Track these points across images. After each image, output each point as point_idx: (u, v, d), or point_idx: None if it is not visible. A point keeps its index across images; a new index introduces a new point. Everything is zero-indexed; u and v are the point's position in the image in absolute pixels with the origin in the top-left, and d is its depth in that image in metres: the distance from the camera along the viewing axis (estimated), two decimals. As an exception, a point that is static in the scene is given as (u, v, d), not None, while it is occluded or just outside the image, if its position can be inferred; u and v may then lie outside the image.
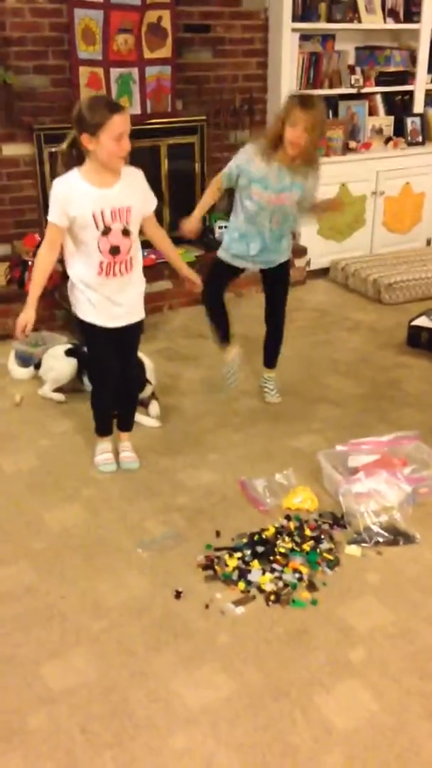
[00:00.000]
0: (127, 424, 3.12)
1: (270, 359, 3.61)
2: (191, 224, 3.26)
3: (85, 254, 2.62)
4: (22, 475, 3.00)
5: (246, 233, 3.23)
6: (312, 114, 2.90)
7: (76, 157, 2.55)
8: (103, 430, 3.08)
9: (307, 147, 2.96)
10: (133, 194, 2.63)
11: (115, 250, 2.61)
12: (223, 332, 3.46)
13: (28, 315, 2.64)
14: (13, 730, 1.89)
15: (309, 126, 2.90)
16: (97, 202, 2.54)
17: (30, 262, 4.20)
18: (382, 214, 5.48)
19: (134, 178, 2.66)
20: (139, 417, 3.38)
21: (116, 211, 2.57)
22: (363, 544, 2.56)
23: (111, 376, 2.93)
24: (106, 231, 2.57)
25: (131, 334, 2.88)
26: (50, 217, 2.58)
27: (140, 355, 3.55)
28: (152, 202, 2.75)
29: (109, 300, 2.71)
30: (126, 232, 2.62)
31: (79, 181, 2.54)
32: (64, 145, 2.57)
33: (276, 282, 3.41)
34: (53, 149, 2.66)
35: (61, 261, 2.73)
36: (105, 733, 1.88)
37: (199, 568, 2.46)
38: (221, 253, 3.37)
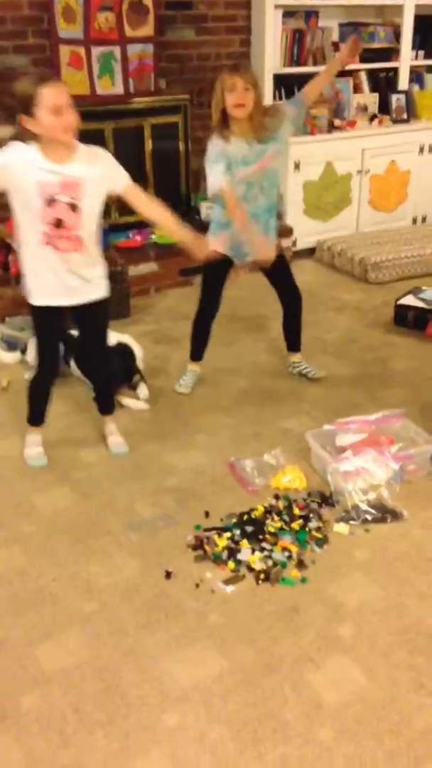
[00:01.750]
0: (107, 407, 3.09)
1: (294, 342, 3.58)
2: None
3: (30, 224, 2.53)
4: (10, 459, 3.00)
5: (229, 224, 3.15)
6: (243, 74, 2.91)
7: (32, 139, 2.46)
8: (35, 419, 3.00)
9: (252, 105, 2.93)
10: (89, 170, 2.51)
11: (58, 222, 2.51)
12: (199, 350, 3.49)
13: None
14: (6, 711, 1.91)
15: (246, 84, 2.89)
16: (46, 173, 2.45)
17: (13, 246, 4.17)
18: (367, 193, 5.46)
19: (94, 155, 2.55)
20: (127, 401, 3.38)
21: (65, 183, 2.47)
22: (351, 522, 2.59)
23: (55, 361, 2.90)
24: (51, 202, 2.48)
25: (92, 316, 2.78)
26: None
27: (130, 342, 3.54)
28: (120, 177, 2.61)
29: (52, 271, 2.60)
30: (74, 207, 2.51)
31: (34, 153, 2.45)
32: (14, 129, 2.47)
33: (274, 265, 3.33)
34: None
35: None
36: (97, 712, 1.90)
37: (189, 548, 2.48)
38: (214, 244, 3.24)
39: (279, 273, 3.40)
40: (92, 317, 2.80)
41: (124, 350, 3.48)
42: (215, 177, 3.00)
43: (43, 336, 2.81)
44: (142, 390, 3.44)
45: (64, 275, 2.63)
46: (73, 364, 3.53)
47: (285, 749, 1.80)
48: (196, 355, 3.51)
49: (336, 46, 5.30)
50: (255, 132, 3.01)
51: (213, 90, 3.00)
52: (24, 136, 2.47)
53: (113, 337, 3.36)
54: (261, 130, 3.01)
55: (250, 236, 3.14)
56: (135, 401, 3.39)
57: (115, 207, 4.85)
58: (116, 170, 2.61)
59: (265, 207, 3.18)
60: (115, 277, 4.19)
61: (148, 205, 2.72)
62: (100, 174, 2.54)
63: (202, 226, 4.88)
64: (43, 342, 2.83)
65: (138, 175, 4.89)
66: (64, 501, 2.74)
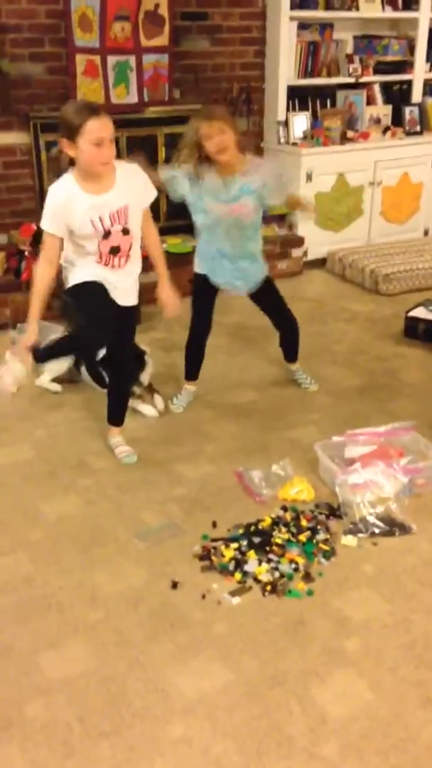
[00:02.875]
0: (120, 417, 3.08)
1: (290, 354, 3.60)
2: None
3: (85, 251, 2.62)
4: (18, 465, 3.00)
5: (212, 253, 3.17)
6: (215, 120, 2.88)
7: (69, 162, 2.53)
8: (118, 417, 3.02)
9: (233, 144, 2.91)
10: (130, 191, 2.61)
11: (115, 250, 2.62)
12: (192, 370, 3.48)
13: (31, 333, 2.68)
14: (11, 719, 1.90)
15: (221, 127, 2.87)
16: (94, 210, 2.52)
17: (26, 252, 4.19)
18: (379, 204, 5.47)
19: (130, 174, 2.64)
20: (141, 405, 3.38)
21: (114, 214, 2.56)
22: (359, 535, 2.57)
23: (113, 333, 2.84)
24: (107, 235, 2.57)
25: (127, 317, 2.84)
26: (47, 228, 2.55)
27: (146, 355, 3.53)
28: (151, 192, 2.73)
29: (105, 280, 2.70)
30: (126, 231, 2.61)
31: (75, 187, 2.51)
32: (54, 151, 2.56)
33: (263, 296, 3.35)
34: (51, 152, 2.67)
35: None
36: (102, 722, 1.90)
37: (196, 558, 2.47)
38: (198, 267, 3.29)
39: (269, 302, 3.39)
40: (126, 321, 2.84)
41: (135, 353, 3.48)
42: (180, 182, 3.03)
43: (95, 308, 2.74)
44: (158, 401, 3.43)
45: (114, 283, 2.72)
46: (83, 370, 3.54)
47: (289, 763, 1.79)
48: (191, 375, 3.50)
49: (350, 59, 5.32)
50: (230, 170, 2.97)
51: (185, 132, 2.99)
52: (59, 159, 2.53)
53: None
54: (234, 168, 2.97)
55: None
56: (146, 406, 3.39)
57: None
58: (150, 186, 2.72)
59: (230, 251, 3.16)
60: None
61: (154, 230, 2.84)
62: (138, 193, 2.66)
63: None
64: (96, 317, 2.77)
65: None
66: (71, 508, 2.74)
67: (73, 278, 2.73)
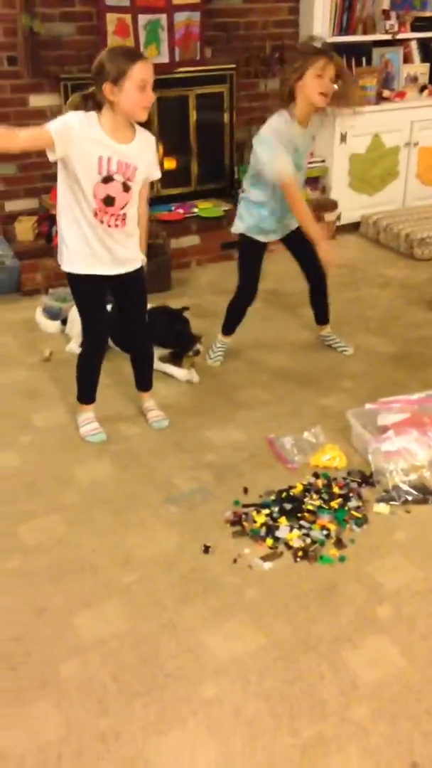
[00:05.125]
0: (146, 383, 3.08)
1: (320, 314, 3.53)
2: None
3: (80, 197, 2.53)
4: (52, 430, 3.03)
5: (275, 208, 3.10)
6: (337, 62, 2.80)
7: (91, 107, 2.46)
8: (87, 397, 2.98)
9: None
10: (142, 157, 2.56)
11: (109, 201, 2.53)
12: (232, 328, 3.47)
13: None
14: (46, 678, 1.94)
15: (337, 74, 2.79)
16: (107, 149, 2.46)
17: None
18: (415, 166, 5.33)
19: (148, 142, 2.60)
20: (172, 369, 3.38)
21: (123, 164, 2.50)
22: (392, 503, 2.56)
23: (103, 335, 2.90)
24: (107, 179, 2.50)
25: (133, 285, 2.79)
26: (50, 125, 2.40)
27: (200, 343, 3.51)
28: (156, 171, 2.68)
29: (100, 241, 2.62)
30: (126, 187, 2.54)
31: (96, 126, 2.45)
32: (76, 98, 2.46)
33: (300, 239, 3.25)
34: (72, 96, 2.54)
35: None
36: (136, 682, 1.93)
37: (227, 524, 2.48)
38: (251, 232, 3.19)
39: (306, 250, 3.26)
40: (132, 287, 2.79)
41: (172, 314, 3.48)
42: (283, 165, 2.89)
43: (88, 306, 2.79)
44: (193, 373, 3.41)
45: (112, 249, 2.65)
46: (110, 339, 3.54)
47: (321, 727, 1.81)
48: (229, 331, 3.49)
49: (386, 14, 5.15)
50: (311, 121, 2.91)
51: (291, 62, 2.86)
52: (87, 104, 2.47)
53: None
54: (314, 122, 2.92)
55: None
56: (181, 371, 3.39)
57: (158, 179, 4.82)
58: (156, 164, 2.68)
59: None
60: (157, 250, 4.19)
61: (145, 207, 2.76)
62: (149, 161, 2.61)
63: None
64: (89, 314, 2.81)
65: (182, 147, 4.89)
66: (104, 473, 2.76)
67: (67, 260, 2.67)
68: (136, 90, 2.39)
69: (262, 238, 3.22)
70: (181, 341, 3.47)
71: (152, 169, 2.66)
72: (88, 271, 2.67)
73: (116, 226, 2.61)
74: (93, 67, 2.43)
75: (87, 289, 2.74)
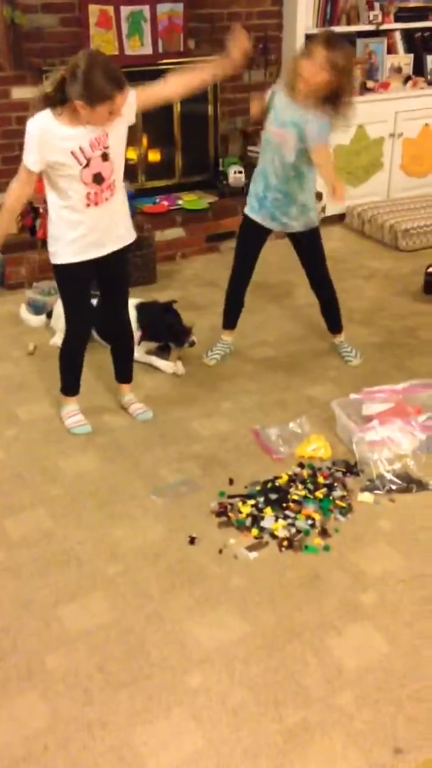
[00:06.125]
0: (127, 375, 3.07)
1: (333, 325, 3.47)
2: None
3: (70, 191, 2.53)
4: (37, 423, 3.02)
5: (260, 170, 3.12)
6: (331, 54, 2.76)
7: (58, 100, 2.42)
8: (71, 388, 2.98)
9: (315, 88, 2.81)
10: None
11: (98, 178, 2.53)
12: (231, 318, 3.44)
13: None
14: (32, 670, 1.95)
15: (324, 63, 2.76)
16: (75, 140, 2.44)
17: (41, 209, 4.16)
18: (400, 157, 5.34)
19: None
20: (157, 361, 3.39)
21: (93, 140, 2.47)
22: (376, 492, 2.58)
23: (88, 324, 2.90)
24: (87, 163, 2.49)
25: (119, 267, 2.78)
26: (25, 161, 2.46)
27: (192, 334, 3.49)
28: (130, 98, 2.50)
29: (98, 228, 2.62)
30: (105, 156, 2.51)
31: (54, 124, 2.43)
32: (48, 88, 2.42)
33: (305, 249, 3.26)
34: (41, 86, 2.51)
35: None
36: (122, 672, 1.93)
37: (213, 514, 2.49)
38: (246, 207, 3.22)
39: (309, 255, 3.28)
40: (117, 267, 2.78)
41: (163, 308, 3.49)
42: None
43: (75, 296, 2.78)
44: (179, 366, 3.41)
45: (106, 226, 2.64)
46: (93, 330, 3.54)
47: (305, 713, 1.82)
48: (229, 323, 3.45)
49: (370, 5, 5.15)
50: (304, 101, 2.87)
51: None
52: (50, 101, 2.43)
53: (131, 301, 3.36)
54: (308, 105, 2.87)
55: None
56: (166, 363, 3.39)
57: (142, 171, 4.81)
58: (128, 110, 2.53)
59: (272, 181, 3.06)
60: (142, 243, 4.18)
61: (165, 88, 2.63)
62: (118, 121, 2.51)
63: (229, 192, 4.87)
64: (75, 303, 2.80)
65: (166, 139, 4.87)
66: (89, 465, 2.76)
67: (59, 253, 2.66)
68: (107, 113, 2.38)
69: (251, 213, 3.18)
70: (174, 334, 3.47)
71: (125, 115, 2.51)
72: (80, 258, 2.65)
73: (107, 199, 2.59)
74: (71, 68, 2.35)
75: (75, 279, 2.72)
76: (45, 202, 2.68)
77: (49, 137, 2.43)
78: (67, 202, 2.57)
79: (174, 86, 2.65)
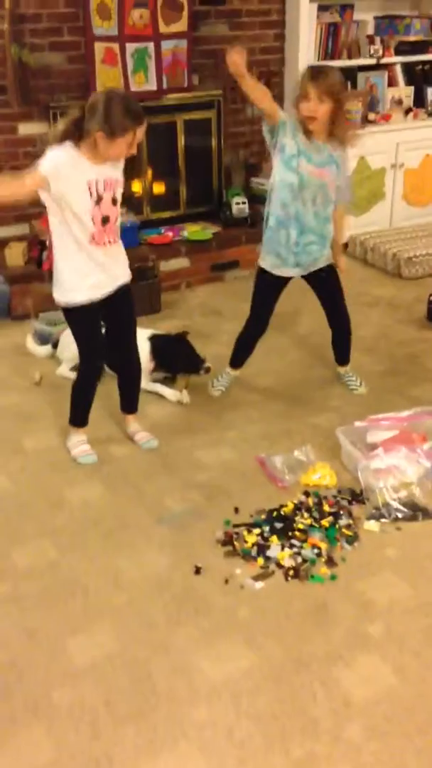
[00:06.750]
0: (133, 405, 3.09)
1: (342, 357, 3.47)
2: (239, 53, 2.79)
3: (77, 228, 2.58)
4: (44, 452, 3.04)
5: (291, 215, 3.01)
6: (319, 83, 2.80)
7: (76, 136, 2.51)
8: (81, 420, 2.99)
9: (325, 120, 2.86)
10: (118, 168, 2.64)
11: (105, 220, 2.61)
12: (240, 361, 3.44)
13: None
14: (38, 703, 1.93)
15: (321, 95, 2.80)
16: (92, 172, 2.54)
17: (47, 242, 4.21)
18: (401, 187, 5.40)
19: None
20: (163, 389, 3.41)
21: (108, 181, 2.58)
22: (382, 520, 2.57)
23: (101, 359, 2.94)
24: (99, 200, 2.57)
25: (125, 302, 2.83)
26: (40, 165, 2.48)
27: (205, 363, 3.51)
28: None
29: (99, 266, 2.67)
30: (114, 201, 2.63)
31: (78, 155, 2.51)
32: (65, 125, 2.50)
33: (326, 284, 3.24)
34: (58, 123, 2.60)
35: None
36: (128, 705, 1.92)
37: (219, 544, 2.48)
38: (262, 262, 3.17)
39: (328, 291, 3.27)
40: (123, 302, 2.82)
41: (176, 339, 3.53)
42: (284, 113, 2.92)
43: (88, 334, 2.82)
44: (185, 395, 3.43)
45: (109, 267, 2.71)
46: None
47: (313, 746, 1.80)
48: (237, 364, 3.45)
49: (371, 39, 5.25)
50: (328, 139, 2.91)
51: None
52: (69, 135, 2.51)
53: (143, 333, 3.39)
54: (334, 140, 2.91)
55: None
56: (172, 391, 3.42)
57: (147, 203, 4.87)
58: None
59: (310, 223, 3.03)
60: (146, 273, 4.23)
61: None
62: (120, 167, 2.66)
63: (233, 222, 4.92)
64: (88, 341, 2.84)
65: (170, 171, 4.95)
66: (95, 495, 2.76)
67: (66, 292, 2.70)
68: (125, 146, 2.48)
69: (276, 270, 3.14)
70: (190, 363, 3.50)
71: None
72: (88, 298, 2.71)
73: (109, 242, 2.67)
74: (93, 104, 2.45)
75: (86, 317, 2.78)
76: (50, 233, 2.73)
77: (73, 163, 2.51)
78: (72, 242, 2.62)
79: None
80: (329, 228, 3.12)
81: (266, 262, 3.15)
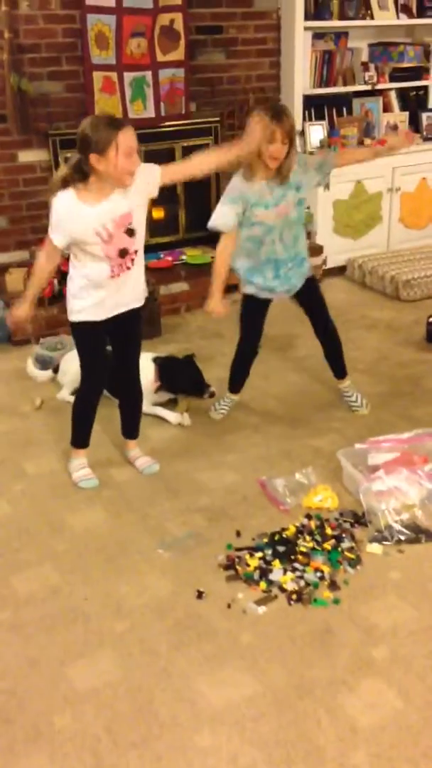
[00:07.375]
0: (134, 431, 3.09)
1: (338, 370, 3.48)
2: (218, 304, 3.10)
3: (94, 262, 2.62)
4: (44, 477, 3.03)
5: (263, 261, 3.10)
6: (285, 124, 2.84)
7: (79, 179, 2.54)
8: (82, 441, 3.00)
9: (284, 156, 2.88)
10: (131, 195, 2.59)
11: (123, 252, 2.63)
12: (238, 385, 3.45)
13: (23, 310, 2.77)
14: (40, 731, 1.91)
15: (285, 138, 2.84)
16: (97, 219, 2.54)
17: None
18: (398, 211, 5.45)
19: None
20: (164, 412, 3.41)
21: (117, 219, 2.57)
22: (384, 542, 2.56)
23: (103, 379, 2.94)
24: (110, 239, 2.58)
25: (133, 323, 2.84)
26: (51, 234, 2.60)
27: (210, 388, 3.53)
28: (153, 176, 2.65)
29: (118, 292, 2.71)
30: (130, 232, 2.62)
31: (76, 203, 2.53)
32: (66, 170, 2.54)
33: (308, 297, 3.29)
34: (62, 167, 2.64)
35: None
36: (130, 732, 1.90)
37: (221, 568, 2.47)
38: (247, 288, 3.23)
39: (312, 302, 3.30)
40: (131, 325, 2.84)
41: (186, 362, 3.55)
42: (225, 215, 2.99)
43: (92, 352, 2.84)
44: (186, 418, 3.44)
45: (123, 292, 2.73)
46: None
47: (319, 773, 1.78)
48: (236, 389, 3.46)
49: (366, 66, 5.33)
50: (278, 177, 2.96)
51: (247, 124, 2.86)
52: (74, 177, 2.53)
53: (147, 355, 3.40)
54: (284, 177, 2.96)
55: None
56: (173, 414, 3.42)
57: (147, 228, 4.90)
58: (147, 173, 2.63)
59: (283, 256, 3.10)
60: (146, 297, 4.24)
61: (189, 166, 2.81)
62: (138, 191, 2.61)
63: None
64: (92, 359, 2.85)
65: (170, 197, 4.99)
66: (96, 519, 2.75)
67: (77, 312, 2.73)
68: (122, 157, 2.47)
69: (260, 294, 3.20)
70: (196, 386, 3.52)
71: (149, 184, 2.64)
72: (98, 317, 2.73)
73: (128, 268, 2.69)
74: (77, 138, 2.49)
75: (93, 336, 2.79)
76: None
77: (74, 216, 2.54)
78: (89, 273, 2.65)
79: (198, 165, 2.81)
80: (301, 245, 3.17)
81: (250, 290, 3.22)
